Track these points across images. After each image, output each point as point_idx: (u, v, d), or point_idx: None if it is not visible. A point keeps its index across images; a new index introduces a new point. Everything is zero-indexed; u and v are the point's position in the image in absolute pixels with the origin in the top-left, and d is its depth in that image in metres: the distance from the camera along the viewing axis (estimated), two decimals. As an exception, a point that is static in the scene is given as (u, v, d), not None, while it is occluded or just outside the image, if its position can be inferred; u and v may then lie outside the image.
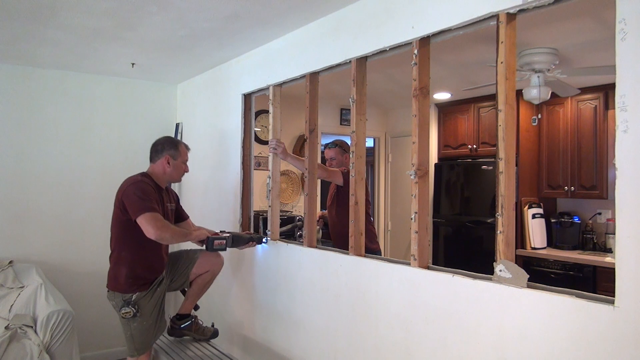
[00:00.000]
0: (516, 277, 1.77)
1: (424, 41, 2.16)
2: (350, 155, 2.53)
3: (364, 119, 2.52)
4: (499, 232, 1.84)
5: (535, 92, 3.32)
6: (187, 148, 2.95)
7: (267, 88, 3.21)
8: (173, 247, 3.25)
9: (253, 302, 3.33)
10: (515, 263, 1.80)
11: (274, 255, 3.12)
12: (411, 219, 2.17)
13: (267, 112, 3.22)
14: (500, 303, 1.80)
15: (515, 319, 1.75)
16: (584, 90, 4.10)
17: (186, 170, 2.93)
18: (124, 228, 2.66)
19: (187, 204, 3.96)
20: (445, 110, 5.14)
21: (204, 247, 2.85)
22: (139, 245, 2.66)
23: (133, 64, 3.85)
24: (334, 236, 3.51)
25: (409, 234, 2.19)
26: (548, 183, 4.49)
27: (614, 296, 1.49)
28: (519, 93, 3.42)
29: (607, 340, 1.49)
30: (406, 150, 5.40)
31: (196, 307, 3.20)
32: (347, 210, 2.57)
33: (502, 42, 1.84)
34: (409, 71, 2.19)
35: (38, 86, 4.02)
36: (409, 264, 2.19)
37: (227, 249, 2.88)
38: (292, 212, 4.76)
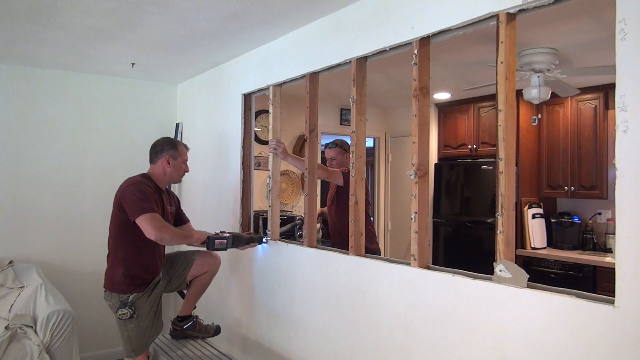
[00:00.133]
0: (516, 277, 1.77)
1: (424, 41, 2.16)
2: (350, 155, 2.53)
3: (364, 119, 2.52)
4: (499, 232, 1.84)
5: (535, 92, 3.32)
6: (186, 148, 2.95)
7: (267, 88, 3.21)
8: (170, 249, 3.25)
9: (253, 302, 3.33)
10: (515, 263, 1.80)
11: (273, 255, 3.12)
12: (411, 219, 2.17)
13: (267, 112, 3.22)
14: (500, 303, 1.80)
15: (515, 319, 1.75)
16: (584, 90, 4.10)
17: (186, 170, 2.94)
18: (122, 228, 2.66)
19: (187, 204, 3.96)
20: (445, 110, 5.14)
21: (204, 247, 2.85)
22: (136, 246, 2.66)
23: (133, 64, 3.85)
24: (333, 236, 3.51)
25: (409, 234, 2.19)
26: (548, 183, 4.49)
27: (614, 296, 1.49)
28: (519, 93, 3.42)
29: (607, 340, 1.49)
30: (406, 150, 5.39)
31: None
32: (347, 210, 2.57)
33: (502, 42, 1.84)
34: (409, 71, 2.19)
35: (38, 86, 4.02)
36: (409, 264, 2.19)
37: (228, 249, 2.88)
38: (292, 212, 4.76)
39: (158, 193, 2.76)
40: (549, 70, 3.30)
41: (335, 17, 2.66)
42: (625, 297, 1.45)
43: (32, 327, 3.07)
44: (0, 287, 3.50)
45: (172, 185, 3.96)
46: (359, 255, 2.49)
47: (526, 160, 4.46)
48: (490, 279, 1.85)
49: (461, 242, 4.87)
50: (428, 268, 2.14)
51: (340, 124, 5.39)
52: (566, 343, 1.60)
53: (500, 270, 1.81)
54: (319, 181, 3.70)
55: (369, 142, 5.80)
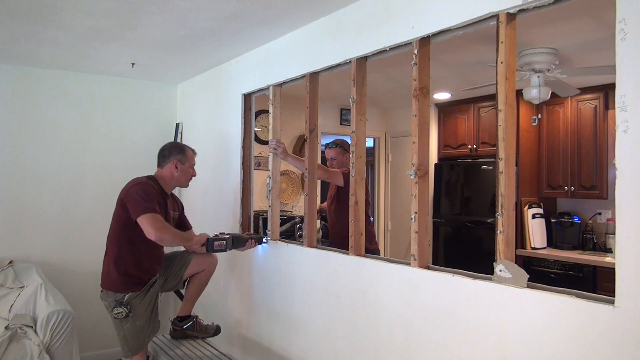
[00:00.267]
0: (516, 277, 1.77)
1: (424, 41, 2.16)
2: (350, 155, 2.53)
3: (364, 119, 2.52)
4: (499, 232, 1.84)
5: (535, 92, 3.32)
6: (194, 153, 2.98)
7: (267, 88, 3.21)
8: (169, 250, 3.24)
9: (252, 302, 3.33)
10: (515, 263, 1.80)
11: (273, 255, 3.12)
12: (411, 219, 2.17)
13: (267, 112, 3.22)
14: (500, 303, 1.79)
15: (515, 319, 1.75)
16: (584, 90, 4.10)
17: (193, 174, 2.96)
18: (123, 227, 2.67)
19: (187, 204, 3.95)
20: (445, 110, 5.14)
21: (205, 250, 2.85)
22: (135, 246, 2.67)
23: (133, 64, 3.85)
24: (332, 235, 3.51)
25: (409, 234, 2.19)
26: (548, 183, 4.49)
27: (614, 296, 1.49)
28: (519, 93, 3.42)
29: (607, 340, 1.49)
30: (406, 150, 5.39)
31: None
32: (346, 210, 2.57)
33: (502, 42, 1.84)
34: (409, 71, 2.19)
35: (38, 86, 4.02)
36: (409, 264, 2.19)
37: (228, 250, 2.87)
38: (292, 212, 4.76)
39: (162, 196, 2.77)
40: (549, 70, 3.30)
41: (335, 17, 2.66)
42: (625, 297, 1.45)
43: (32, 327, 3.07)
44: (0, 287, 3.50)
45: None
46: (359, 255, 2.49)
47: (526, 160, 4.46)
48: (490, 279, 1.85)
49: (461, 242, 4.87)
50: (428, 268, 2.14)
51: (340, 124, 5.39)
52: (566, 343, 1.60)
53: (500, 270, 1.81)
54: (319, 181, 3.69)
55: (369, 142, 5.80)
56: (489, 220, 4.51)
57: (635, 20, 1.46)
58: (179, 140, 4.43)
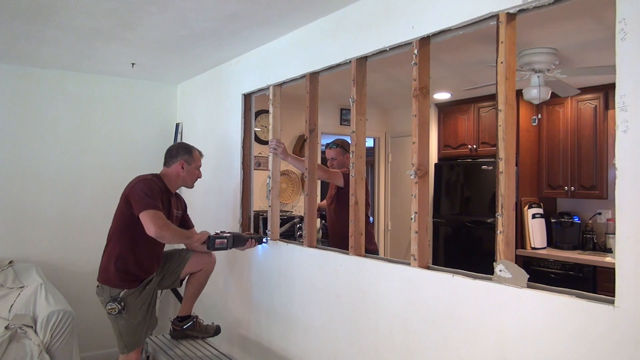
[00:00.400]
0: (516, 277, 1.77)
1: (424, 41, 2.16)
2: (350, 155, 2.53)
3: (364, 119, 2.52)
4: (499, 232, 1.84)
5: (535, 92, 3.32)
6: (200, 154, 3.00)
7: (267, 88, 3.21)
8: (169, 248, 3.24)
9: (252, 302, 3.33)
10: (515, 263, 1.80)
11: (273, 255, 3.12)
12: (411, 219, 2.17)
13: (267, 112, 3.22)
14: (500, 303, 1.79)
15: (515, 319, 1.75)
16: (584, 90, 4.10)
17: (199, 176, 2.99)
18: (124, 224, 2.68)
19: (188, 204, 3.95)
20: (445, 110, 5.14)
21: (205, 248, 2.85)
22: (135, 243, 2.68)
23: (133, 64, 3.85)
24: (332, 235, 3.51)
25: (409, 234, 2.19)
26: (548, 183, 4.49)
27: (614, 296, 1.49)
28: (519, 93, 3.42)
29: (607, 340, 1.49)
30: (406, 150, 5.39)
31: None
32: (346, 210, 2.57)
33: (502, 42, 1.84)
34: (409, 71, 2.19)
35: (38, 86, 4.02)
36: (409, 264, 2.19)
37: (228, 249, 2.88)
38: (292, 212, 4.76)
39: (166, 194, 2.79)
40: (549, 70, 3.30)
41: (335, 17, 2.66)
42: (625, 297, 1.45)
43: (32, 327, 3.07)
44: (0, 287, 3.50)
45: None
46: (359, 255, 2.49)
47: (526, 160, 4.46)
48: (490, 279, 1.85)
49: (461, 242, 4.86)
50: (428, 268, 2.14)
51: (340, 124, 5.39)
52: (566, 343, 1.60)
53: (500, 270, 1.81)
54: (319, 181, 3.69)
55: (369, 142, 5.80)
56: (489, 220, 4.51)
57: (635, 20, 1.46)
58: (178, 140, 4.43)
